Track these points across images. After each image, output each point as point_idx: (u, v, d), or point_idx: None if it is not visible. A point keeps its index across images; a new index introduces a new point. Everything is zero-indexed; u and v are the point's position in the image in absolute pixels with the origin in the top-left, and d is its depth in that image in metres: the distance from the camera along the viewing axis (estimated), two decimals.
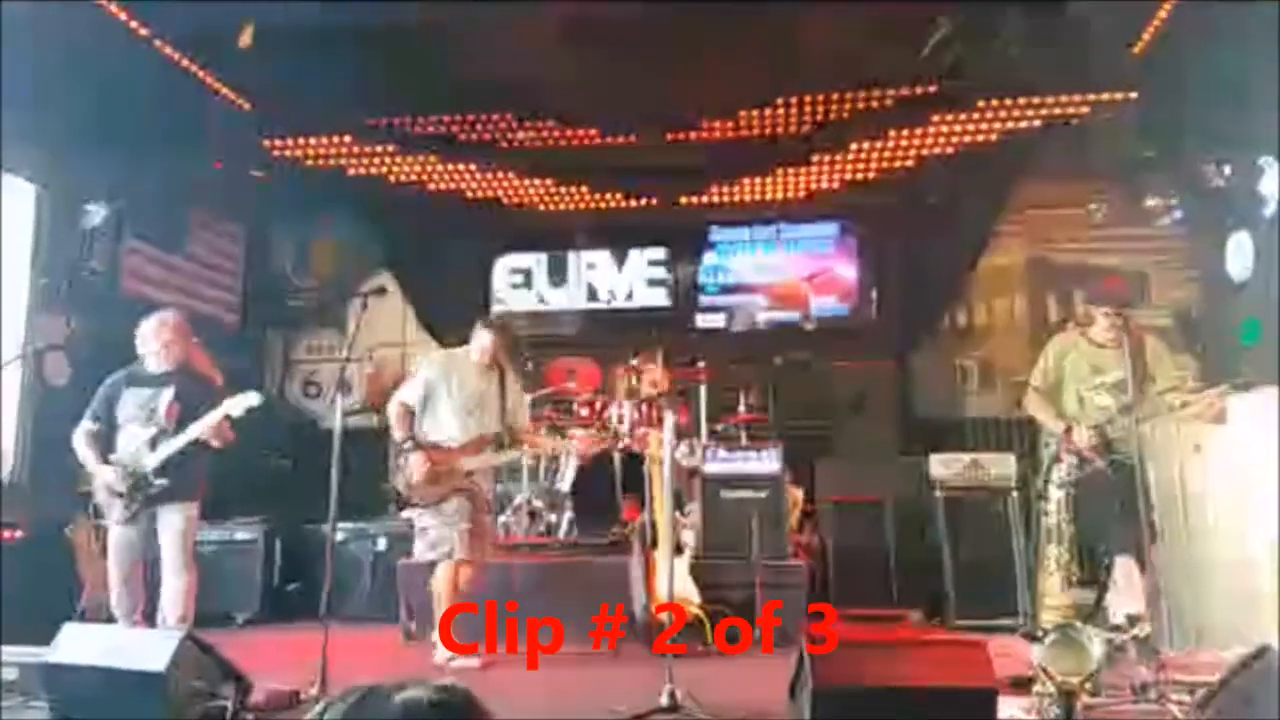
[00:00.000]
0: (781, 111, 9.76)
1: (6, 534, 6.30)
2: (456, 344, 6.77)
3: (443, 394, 6.35)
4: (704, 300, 10.72)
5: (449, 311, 10.57)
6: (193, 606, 5.80)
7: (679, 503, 6.94)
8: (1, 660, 4.87)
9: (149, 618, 5.78)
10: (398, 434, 6.28)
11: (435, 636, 6.16)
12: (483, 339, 6.46)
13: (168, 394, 5.88)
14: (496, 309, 10.88)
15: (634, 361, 8.49)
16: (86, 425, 5.89)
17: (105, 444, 5.87)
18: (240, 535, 8.06)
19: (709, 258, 10.77)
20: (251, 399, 5.78)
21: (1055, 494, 4.76)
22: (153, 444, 5.77)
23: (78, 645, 4.49)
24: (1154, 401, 5.53)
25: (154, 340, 6.00)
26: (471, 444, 6.32)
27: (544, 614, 6.79)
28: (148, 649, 4.38)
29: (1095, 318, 5.83)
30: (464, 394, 6.36)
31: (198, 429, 5.72)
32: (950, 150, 9.81)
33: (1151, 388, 5.59)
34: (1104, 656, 4.01)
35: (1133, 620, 5.04)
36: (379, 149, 10.34)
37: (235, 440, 5.89)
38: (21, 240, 7.79)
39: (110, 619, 5.82)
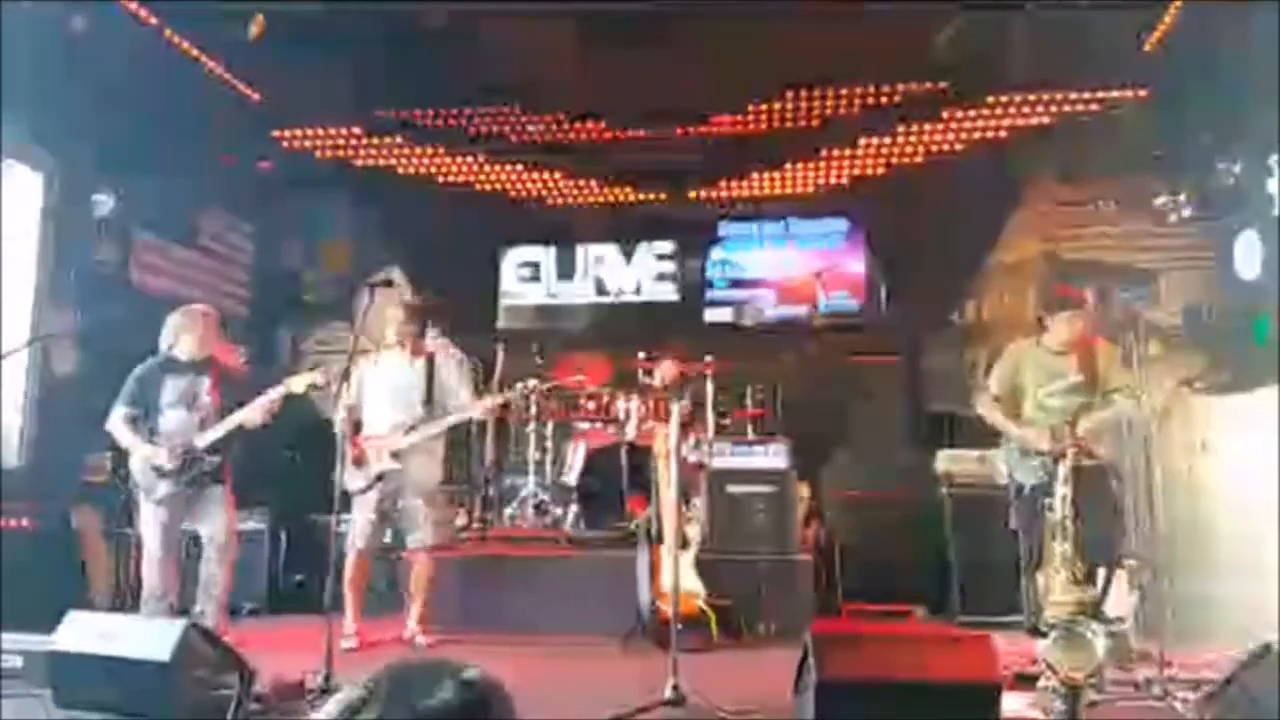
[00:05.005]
0: (790, 106, 9.76)
1: (13, 521, 6.30)
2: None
3: (369, 388, 6.52)
4: (712, 295, 10.70)
5: (457, 304, 10.59)
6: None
7: (685, 497, 6.94)
8: (4, 647, 4.87)
9: (179, 602, 5.93)
10: (339, 434, 6.36)
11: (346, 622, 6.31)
12: (393, 325, 6.64)
13: (207, 380, 6.07)
14: (505, 302, 10.90)
15: (641, 356, 8.49)
16: (124, 410, 6.01)
17: (143, 429, 6.01)
18: (246, 526, 8.03)
19: (717, 252, 10.74)
20: (317, 377, 6.02)
21: (1060, 490, 4.76)
22: (202, 425, 5.95)
23: (81, 633, 4.49)
24: (1108, 401, 5.67)
25: (188, 330, 6.15)
26: (393, 431, 6.42)
27: (548, 606, 6.82)
28: (152, 637, 4.37)
29: (1049, 325, 5.95)
30: (387, 384, 6.48)
31: (259, 404, 5.92)
32: (960, 146, 9.80)
33: (1105, 391, 5.73)
34: (1108, 652, 4.00)
35: (1112, 621, 5.07)
36: (388, 141, 10.36)
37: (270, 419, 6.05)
38: (29, 230, 7.78)
39: (115, 607, 5.86)
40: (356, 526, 6.35)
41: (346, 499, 5.96)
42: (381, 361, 6.58)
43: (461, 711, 1.58)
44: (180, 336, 6.14)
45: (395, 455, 6.36)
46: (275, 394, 5.95)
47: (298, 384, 6.00)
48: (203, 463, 5.93)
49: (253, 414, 5.93)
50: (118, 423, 6.01)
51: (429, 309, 6.87)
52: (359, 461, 6.30)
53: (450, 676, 1.61)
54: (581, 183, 10.75)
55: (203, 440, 5.91)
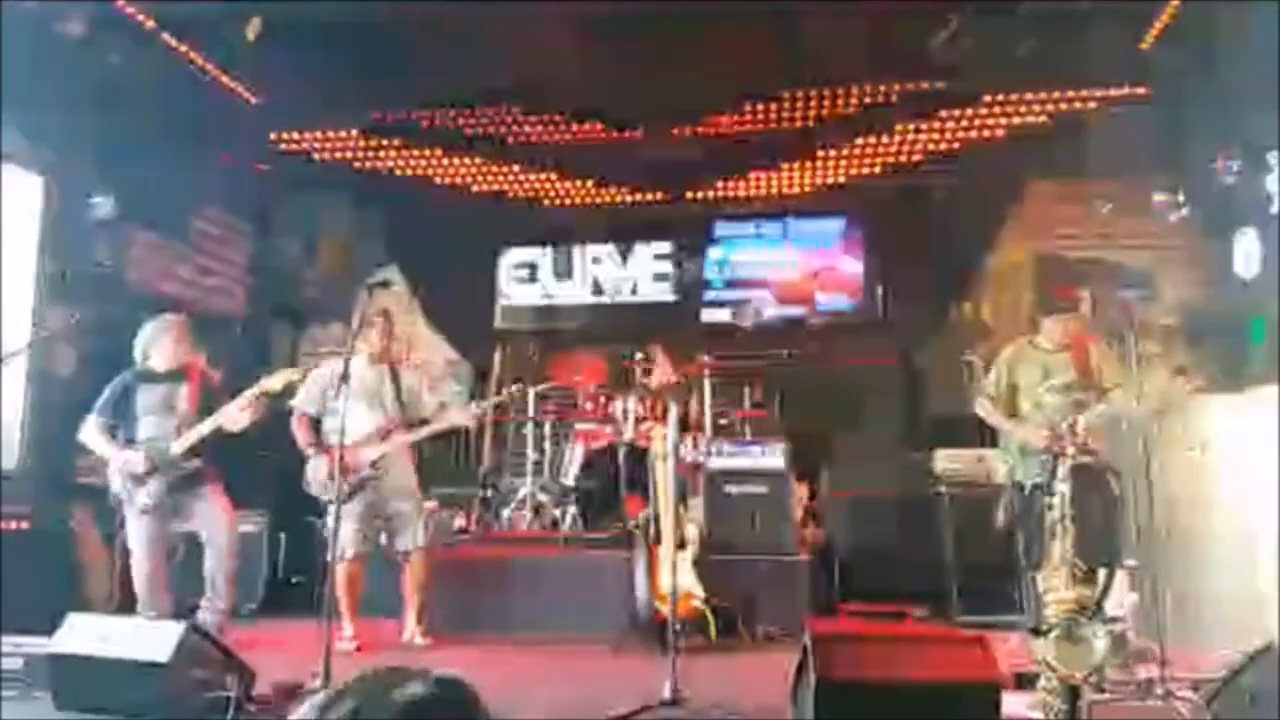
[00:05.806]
0: (787, 106, 9.76)
1: (12, 524, 6.29)
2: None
3: (336, 394, 6.32)
4: (709, 295, 10.70)
5: (454, 304, 10.60)
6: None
7: (683, 497, 6.93)
8: (5, 650, 4.86)
9: (176, 605, 5.88)
10: (301, 442, 6.42)
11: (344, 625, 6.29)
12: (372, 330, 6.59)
13: (186, 388, 6.06)
14: (502, 303, 10.90)
15: (639, 356, 8.48)
16: (96, 420, 6.00)
17: (119, 437, 5.99)
18: (243, 528, 8.01)
19: (715, 252, 10.75)
20: (292, 374, 6.05)
21: (1060, 488, 4.74)
22: (179, 431, 5.92)
23: (80, 635, 4.49)
24: (1107, 399, 5.70)
25: (163, 341, 6.13)
26: (369, 437, 6.39)
27: (546, 607, 6.81)
28: (151, 639, 4.37)
29: (1043, 324, 5.99)
30: (360, 390, 6.31)
31: (235, 405, 5.90)
32: (957, 146, 9.80)
33: (1102, 389, 5.77)
34: (1108, 651, 3.99)
35: (1113, 621, 5.06)
36: (385, 143, 10.36)
37: (261, 417, 6.05)
38: (28, 231, 7.77)
39: (115, 609, 5.86)
40: (344, 535, 6.20)
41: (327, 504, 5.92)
42: (356, 366, 6.49)
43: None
44: (154, 347, 6.14)
45: (374, 463, 6.34)
46: (251, 394, 5.92)
47: (275, 383, 5.98)
48: (178, 467, 5.89)
49: (230, 416, 5.90)
50: (91, 432, 5.99)
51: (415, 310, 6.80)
52: (343, 470, 6.22)
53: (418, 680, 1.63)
54: (579, 183, 10.75)
55: (178, 445, 5.88)
